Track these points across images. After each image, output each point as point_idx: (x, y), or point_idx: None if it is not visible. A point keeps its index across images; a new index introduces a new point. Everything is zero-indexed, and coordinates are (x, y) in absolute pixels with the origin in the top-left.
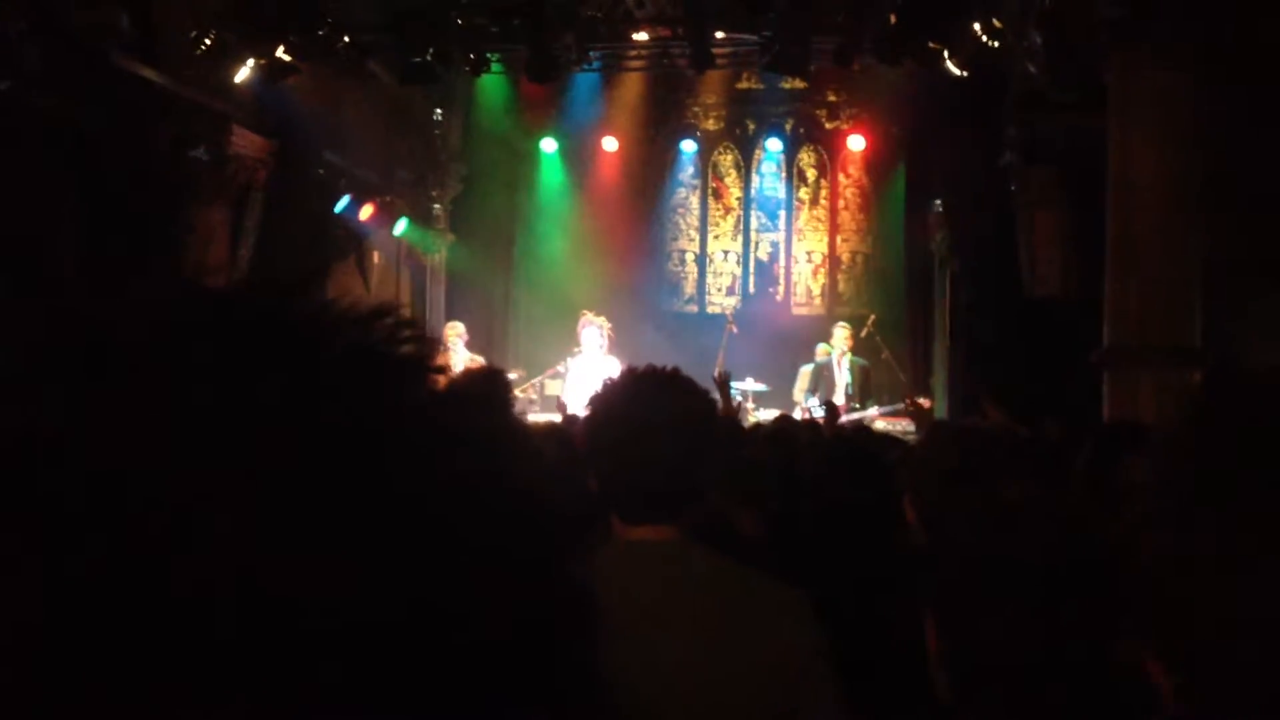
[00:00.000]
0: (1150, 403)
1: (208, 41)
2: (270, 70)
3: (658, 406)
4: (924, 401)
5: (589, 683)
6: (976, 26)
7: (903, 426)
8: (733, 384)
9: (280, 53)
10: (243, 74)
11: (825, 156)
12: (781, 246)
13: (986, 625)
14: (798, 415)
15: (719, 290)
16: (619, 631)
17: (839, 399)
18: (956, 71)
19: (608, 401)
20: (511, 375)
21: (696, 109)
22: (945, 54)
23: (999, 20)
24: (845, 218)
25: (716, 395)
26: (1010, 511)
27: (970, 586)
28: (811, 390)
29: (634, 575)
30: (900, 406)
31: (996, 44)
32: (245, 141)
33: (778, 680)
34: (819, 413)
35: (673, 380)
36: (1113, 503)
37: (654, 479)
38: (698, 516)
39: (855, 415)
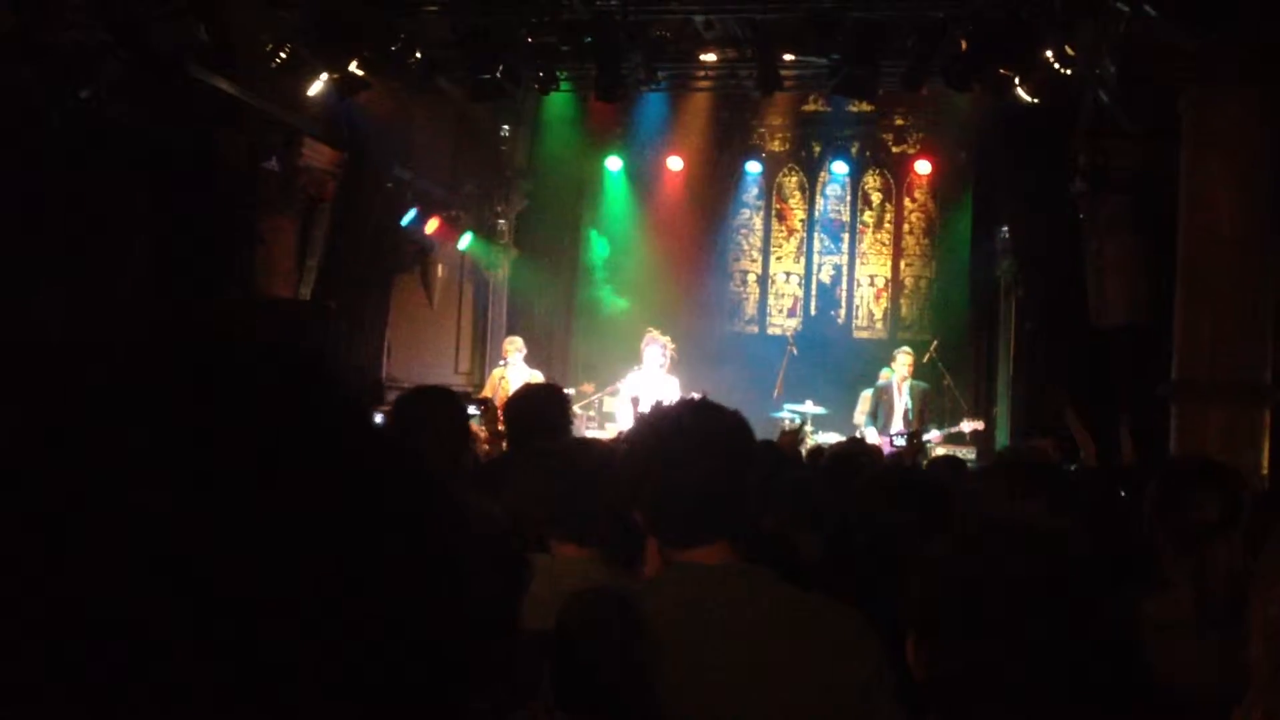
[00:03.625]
0: (1218, 438)
1: (283, 55)
2: (343, 85)
3: (689, 431)
4: (977, 424)
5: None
6: (1049, 54)
7: (963, 451)
8: (792, 406)
9: (353, 68)
10: (316, 88)
11: (891, 180)
12: (844, 269)
13: (959, 644)
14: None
15: (780, 312)
16: (675, 653)
17: (898, 423)
18: (1027, 98)
19: (641, 433)
20: (570, 390)
21: (762, 130)
22: (1016, 80)
23: (1072, 48)
24: (909, 242)
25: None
26: (978, 533)
27: (940, 602)
28: (872, 414)
29: (686, 597)
30: (958, 430)
31: (1068, 72)
32: (316, 154)
33: (841, 703)
34: (900, 442)
35: (702, 406)
36: (1184, 540)
37: (695, 501)
38: (750, 538)
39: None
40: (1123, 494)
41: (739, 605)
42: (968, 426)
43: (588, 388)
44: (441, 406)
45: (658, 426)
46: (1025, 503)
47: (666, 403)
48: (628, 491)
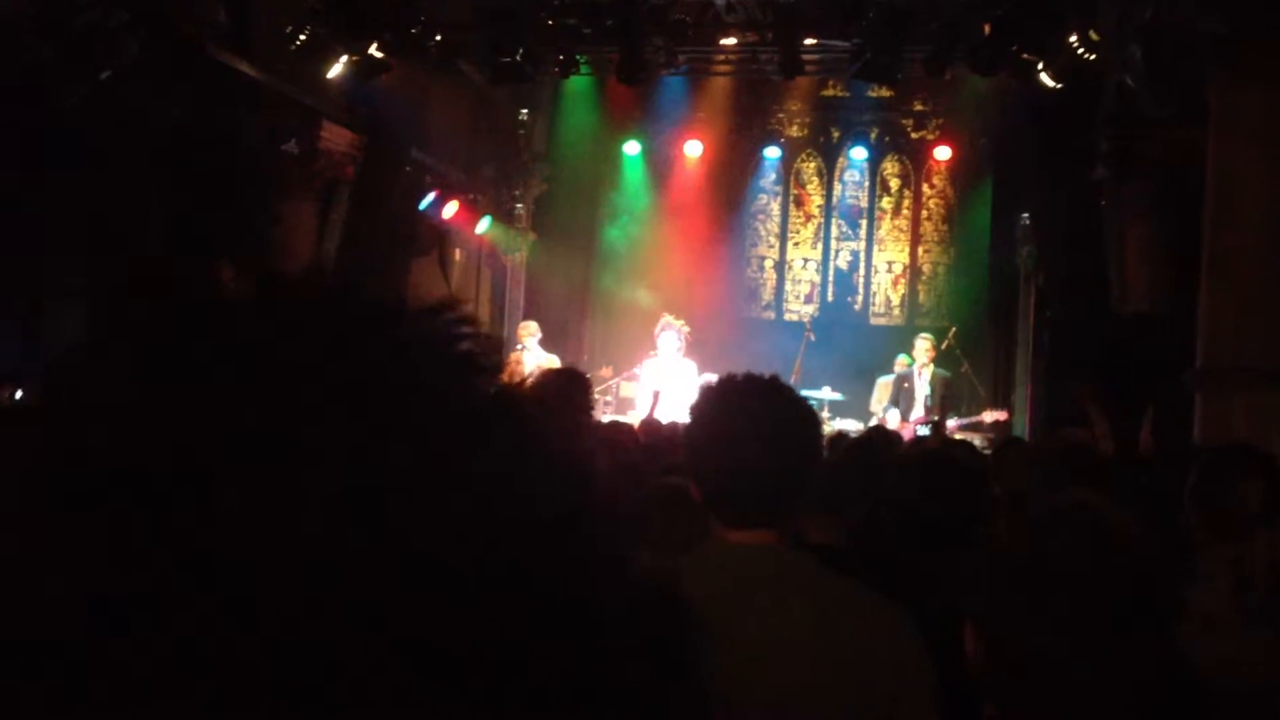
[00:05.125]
0: (1243, 425)
1: (302, 37)
2: (362, 67)
3: (761, 412)
4: (1000, 415)
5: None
6: (1073, 39)
7: (979, 439)
8: (809, 393)
9: (373, 50)
10: (335, 70)
11: (910, 166)
12: (861, 256)
13: (1019, 631)
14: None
15: (797, 298)
16: (719, 632)
17: (918, 410)
18: (1050, 83)
19: (710, 405)
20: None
21: (781, 115)
22: (1039, 65)
23: (1096, 33)
24: (928, 228)
25: None
26: (1044, 519)
27: (1003, 592)
28: (892, 401)
29: (735, 578)
30: (978, 419)
31: (1092, 56)
32: (334, 137)
33: (877, 691)
34: (922, 430)
35: (774, 386)
36: (1224, 530)
37: (757, 483)
38: (793, 523)
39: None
40: (1144, 482)
41: (783, 587)
42: (990, 417)
43: (605, 372)
44: None
45: (727, 403)
46: (1079, 491)
47: (740, 377)
48: (688, 464)
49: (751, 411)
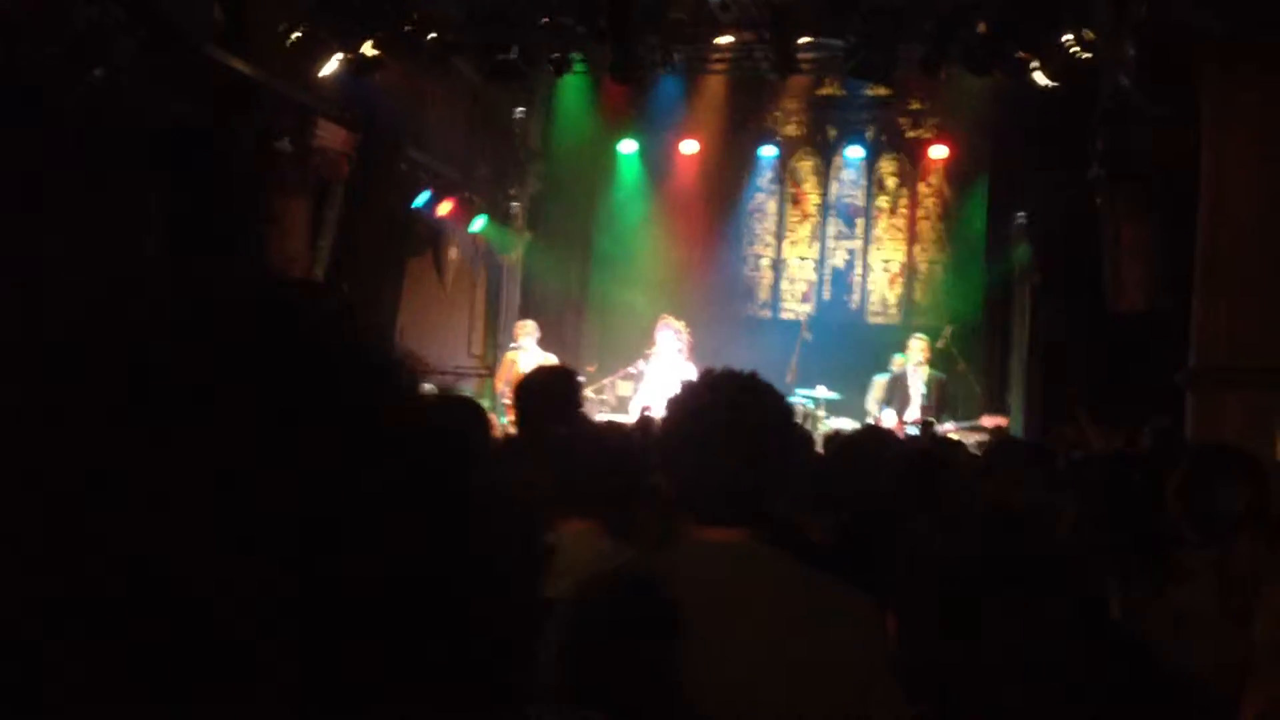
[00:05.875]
0: (1236, 424)
1: (297, 35)
2: (357, 65)
3: (737, 408)
4: (1000, 420)
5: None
6: (1068, 37)
7: (975, 439)
8: (805, 391)
9: (367, 48)
10: (329, 68)
11: (906, 165)
12: (858, 254)
13: (934, 623)
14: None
15: (793, 297)
16: (694, 630)
17: (914, 410)
18: (1045, 82)
19: (685, 402)
20: (580, 375)
21: (777, 114)
22: (1034, 64)
23: (1091, 31)
24: (924, 227)
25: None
26: (955, 514)
27: (917, 585)
28: (887, 400)
29: (706, 575)
30: (976, 424)
31: (1088, 55)
32: (329, 135)
33: (848, 686)
34: (913, 430)
35: (751, 383)
36: (1209, 530)
37: (731, 481)
38: (769, 521)
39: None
40: (1138, 480)
41: (756, 584)
42: (989, 422)
43: (590, 369)
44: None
45: (702, 400)
46: (1022, 487)
47: (716, 374)
48: (660, 463)
49: (726, 409)
